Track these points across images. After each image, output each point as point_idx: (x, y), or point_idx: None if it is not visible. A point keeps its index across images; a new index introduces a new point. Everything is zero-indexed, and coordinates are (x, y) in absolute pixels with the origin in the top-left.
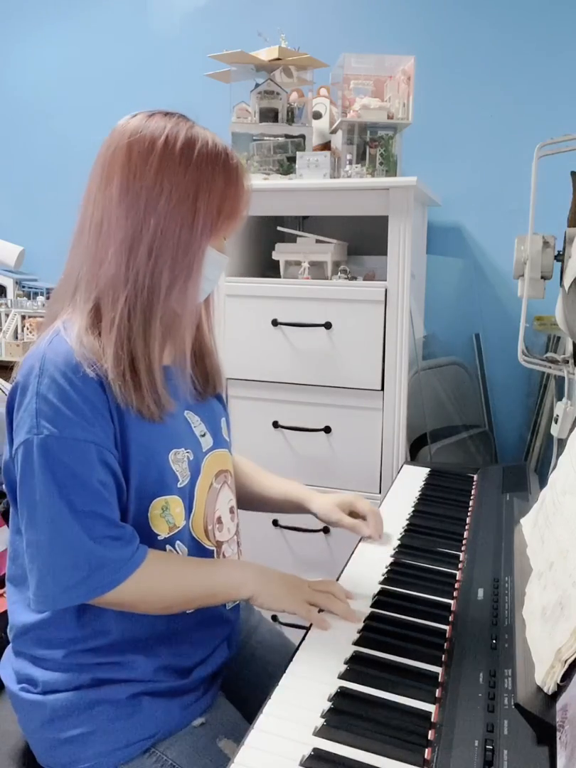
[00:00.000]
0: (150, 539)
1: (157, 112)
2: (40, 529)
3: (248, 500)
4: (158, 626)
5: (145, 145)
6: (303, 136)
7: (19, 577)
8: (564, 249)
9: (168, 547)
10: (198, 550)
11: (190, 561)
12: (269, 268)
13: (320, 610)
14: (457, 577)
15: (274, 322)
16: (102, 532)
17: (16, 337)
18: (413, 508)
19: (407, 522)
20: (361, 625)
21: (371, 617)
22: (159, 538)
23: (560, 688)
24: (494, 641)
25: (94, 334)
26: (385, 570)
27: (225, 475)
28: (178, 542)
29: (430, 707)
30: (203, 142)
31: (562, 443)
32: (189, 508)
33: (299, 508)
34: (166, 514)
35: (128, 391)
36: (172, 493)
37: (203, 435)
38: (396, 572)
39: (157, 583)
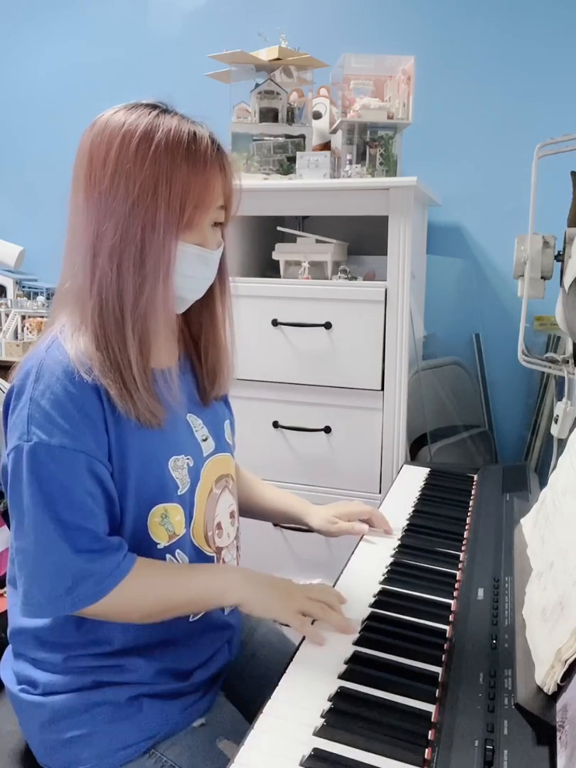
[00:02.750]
0: (149, 548)
1: (128, 105)
2: (27, 537)
3: (246, 510)
4: (159, 633)
5: (103, 148)
6: (303, 136)
7: None
8: (564, 249)
9: (168, 556)
10: (198, 558)
11: (173, 569)
12: (269, 268)
13: (314, 621)
14: (457, 577)
15: (274, 322)
16: (86, 545)
17: (16, 337)
18: (413, 508)
19: (407, 522)
20: (360, 626)
21: (371, 617)
22: (158, 546)
23: (560, 688)
24: (494, 641)
25: (86, 340)
26: (385, 570)
27: (226, 480)
28: (178, 551)
29: (430, 707)
30: (164, 132)
31: (562, 443)
32: (189, 516)
33: (297, 521)
34: (166, 522)
35: (123, 398)
36: (171, 501)
37: (205, 439)
38: (396, 572)
39: (139, 594)
